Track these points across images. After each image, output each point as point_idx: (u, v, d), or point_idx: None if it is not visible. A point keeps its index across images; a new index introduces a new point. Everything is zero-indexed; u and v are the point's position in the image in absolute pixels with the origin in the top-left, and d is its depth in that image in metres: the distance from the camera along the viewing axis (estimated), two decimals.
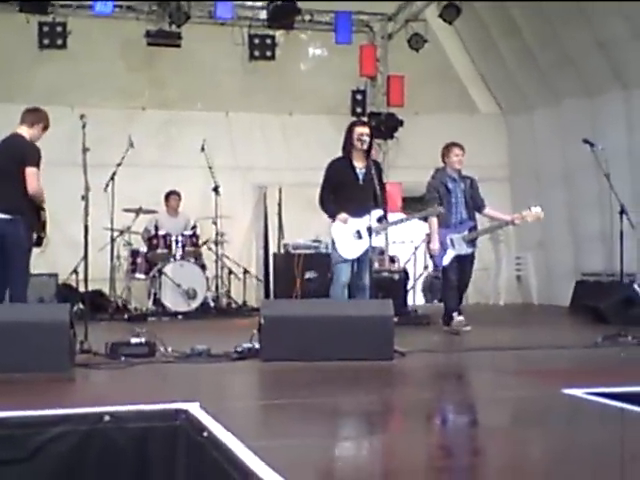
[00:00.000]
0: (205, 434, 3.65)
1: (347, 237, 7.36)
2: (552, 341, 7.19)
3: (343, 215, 7.32)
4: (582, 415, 4.35)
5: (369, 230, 7.14)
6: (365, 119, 8.76)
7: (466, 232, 8.30)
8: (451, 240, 8.27)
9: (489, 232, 8.61)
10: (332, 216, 7.42)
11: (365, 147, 7.35)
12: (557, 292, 11.72)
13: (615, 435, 3.79)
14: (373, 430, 4.06)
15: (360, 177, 7.37)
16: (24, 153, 6.70)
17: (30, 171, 6.60)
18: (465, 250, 8.29)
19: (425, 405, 4.68)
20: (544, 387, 5.09)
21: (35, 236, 6.78)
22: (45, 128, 6.95)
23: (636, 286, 8.99)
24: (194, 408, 3.98)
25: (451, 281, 8.32)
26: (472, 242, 8.35)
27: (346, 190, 7.36)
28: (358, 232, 7.33)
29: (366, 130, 7.47)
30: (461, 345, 7.59)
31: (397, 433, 4.05)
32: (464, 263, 8.36)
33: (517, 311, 11.70)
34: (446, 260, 8.29)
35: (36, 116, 6.93)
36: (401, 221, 8.28)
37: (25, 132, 6.85)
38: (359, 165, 7.41)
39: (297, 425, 4.05)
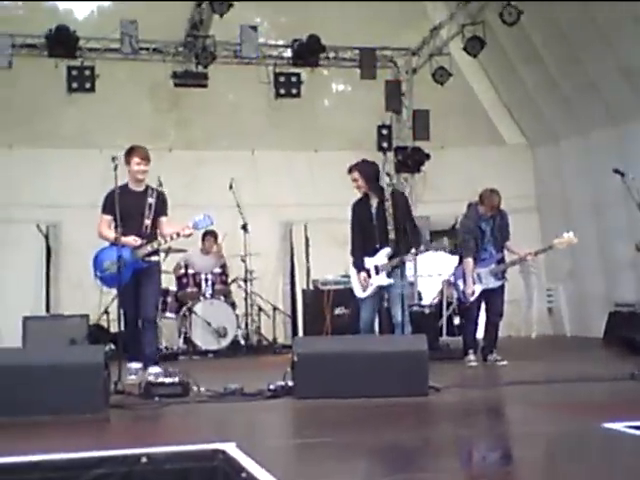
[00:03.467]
0: (244, 475, 3.62)
1: (357, 277, 7.56)
2: (587, 374, 7.09)
3: (362, 276, 7.44)
4: (624, 450, 4.26)
5: (376, 269, 7.36)
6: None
7: (493, 265, 8.31)
8: (478, 275, 8.31)
9: (515, 264, 8.56)
10: (356, 269, 7.55)
11: (359, 191, 7.52)
12: (590, 323, 11.58)
13: None
14: (411, 468, 4.01)
15: (374, 215, 7.48)
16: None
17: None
18: (493, 283, 8.31)
19: (463, 442, 4.63)
20: (583, 421, 5.01)
21: None
22: (129, 162, 7.17)
23: None
24: (231, 448, 3.97)
25: (473, 317, 8.47)
26: (500, 275, 8.33)
27: (364, 230, 7.51)
28: (368, 271, 7.45)
29: (350, 176, 7.58)
30: (496, 380, 7.52)
31: (435, 472, 3.99)
32: (493, 296, 8.38)
33: (549, 343, 11.57)
34: (473, 297, 8.29)
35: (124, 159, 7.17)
36: (410, 258, 7.83)
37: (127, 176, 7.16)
38: (374, 203, 7.51)
39: (335, 464, 4.01)
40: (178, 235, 7.25)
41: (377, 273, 7.37)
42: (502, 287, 8.44)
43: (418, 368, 5.91)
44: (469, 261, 8.28)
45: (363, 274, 7.42)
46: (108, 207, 7.06)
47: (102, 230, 7.21)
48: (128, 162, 7.15)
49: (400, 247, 7.31)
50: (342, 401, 5.60)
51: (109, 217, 7.12)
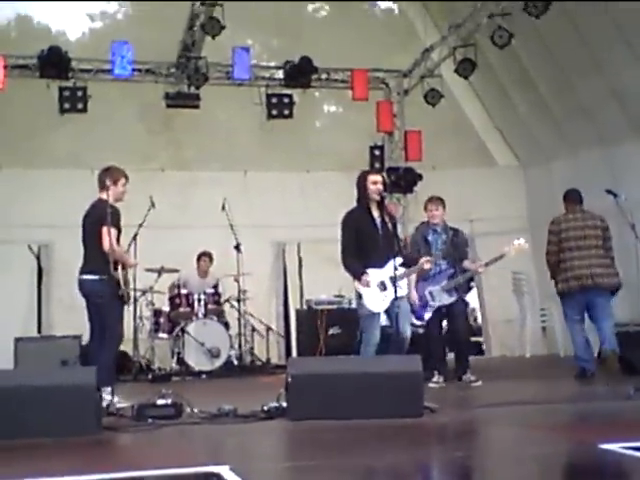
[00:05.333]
0: None
1: (372, 289, 6.95)
2: (582, 394, 7.06)
3: (365, 279, 6.92)
4: (620, 471, 4.23)
5: (392, 280, 6.79)
6: (378, 167, 8.36)
7: (445, 282, 8.19)
8: (430, 293, 8.22)
9: (467, 278, 8.44)
10: (355, 276, 7.00)
11: (379, 197, 7.06)
12: None
13: None
14: None
15: (379, 226, 7.07)
16: (101, 214, 6.82)
17: (104, 230, 6.77)
18: (447, 300, 8.20)
19: (458, 464, 4.58)
20: (579, 442, 4.97)
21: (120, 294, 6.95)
22: (116, 182, 7.02)
23: None
24: (225, 471, 3.92)
25: (434, 336, 8.33)
26: (453, 291, 8.21)
27: (366, 240, 7.02)
28: (382, 283, 6.95)
29: (379, 178, 7.18)
30: (490, 400, 7.45)
31: None
32: (453, 314, 8.28)
33: (543, 363, 11.52)
34: (428, 314, 8.22)
35: (102, 178, 7.04)
36: (416, 268, 7.39)
37: (105, 195, 6.92)
38: (376, 214, 7.11)
39: None
40: None
41: (395, 284, 6.70)
42: (462, 304, 8.34)
43: (413, 389, 5.85)
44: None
45: (366, 279, 6.85)
46: (116, 222, 6.86)
47: (117, 247, 6.94)
48: (115, 182, 7.01)
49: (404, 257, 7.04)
50: (337, 422, 5.53)
51: (117, 232, 6.91)
